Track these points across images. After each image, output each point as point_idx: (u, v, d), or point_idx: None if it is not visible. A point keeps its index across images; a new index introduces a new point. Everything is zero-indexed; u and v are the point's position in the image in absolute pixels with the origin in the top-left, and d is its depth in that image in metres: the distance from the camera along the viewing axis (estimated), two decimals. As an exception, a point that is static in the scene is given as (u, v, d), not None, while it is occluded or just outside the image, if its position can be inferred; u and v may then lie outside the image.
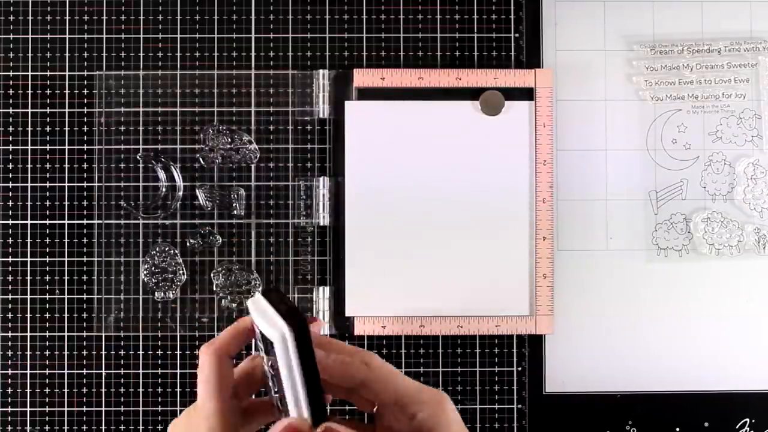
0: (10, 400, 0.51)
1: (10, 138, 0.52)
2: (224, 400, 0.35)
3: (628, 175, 0.51)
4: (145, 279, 0.51)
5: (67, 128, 0.52)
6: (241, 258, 0.51)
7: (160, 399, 0.51)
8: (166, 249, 0.50)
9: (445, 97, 0.51)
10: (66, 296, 0.51)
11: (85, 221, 0.52)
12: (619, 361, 0.51)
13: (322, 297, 0.51)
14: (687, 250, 0.51)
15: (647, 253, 0.52)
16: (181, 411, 0.51)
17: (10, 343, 0.51)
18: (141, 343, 0.51)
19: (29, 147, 0.52)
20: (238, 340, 0.37)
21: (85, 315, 0.51)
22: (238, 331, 0.37)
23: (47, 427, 0.51)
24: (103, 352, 0.51)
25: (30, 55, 0.52)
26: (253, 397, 0.40)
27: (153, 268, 0.51)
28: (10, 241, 0.51)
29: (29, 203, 0.52)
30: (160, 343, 0.51)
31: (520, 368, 0.52)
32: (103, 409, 0.51)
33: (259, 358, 0.37)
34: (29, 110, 0.52)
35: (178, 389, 0.51)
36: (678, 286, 0.51)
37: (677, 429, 0.51)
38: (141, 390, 0.51)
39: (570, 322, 0.51)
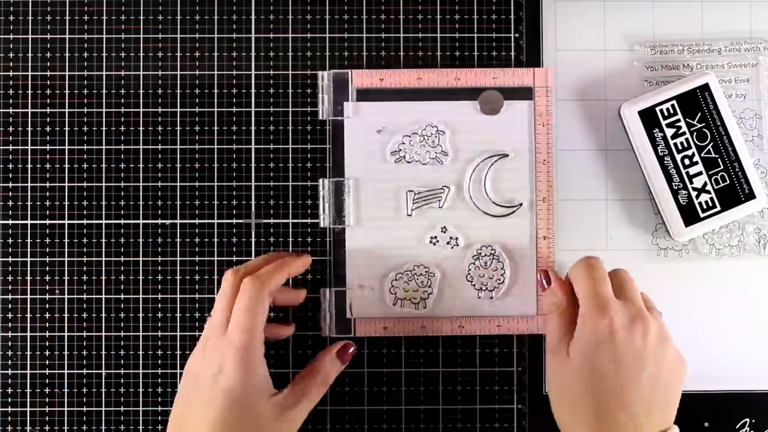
0: (10, 400, 0.51)
1: (10, 138, 0.52)
2: (259, 333, 0.42)
3: (628, 175, 0.51)
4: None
5: (67, 128, 0.52)
6: (241, 258, 0.51)
7: (160, 399, 0.51)
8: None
9: (444, 97, 0.51)
10: (66, 296, 0.51)
11: (85, 221, 0.52)
12: (619, 361, 0.51)
13: (322, 298, 0.51)
14: (687, 250, 0.51)
15: (647, 253, 0.52)
16: (181, 411, 0.51)
17: (10, 343, 0.51)
18: (141, 343, 0.51)
19: (29, 147, 0.52)
20: (282, 278, 0.44)
21: (85, 315, 0.51)
22: (281, 269, 0.45)
23: (47, 427, 0.51)
24: (103, 352, 0.51)
25: (30, 55, 0.52)
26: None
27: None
28: (10, 241, 0.51)
29: (29, 203, 0.52)
30: (160, 343, 0.51)
31: (520, 368, 0.51)
32: (103, 409, 0.51)
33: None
34: (29, 110, 0.52)
35: (178, 389, 0.51)
36: (678, 286, 0.51)
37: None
38: (141, 390, 0.51)
39: (570, 322, 0.51)
